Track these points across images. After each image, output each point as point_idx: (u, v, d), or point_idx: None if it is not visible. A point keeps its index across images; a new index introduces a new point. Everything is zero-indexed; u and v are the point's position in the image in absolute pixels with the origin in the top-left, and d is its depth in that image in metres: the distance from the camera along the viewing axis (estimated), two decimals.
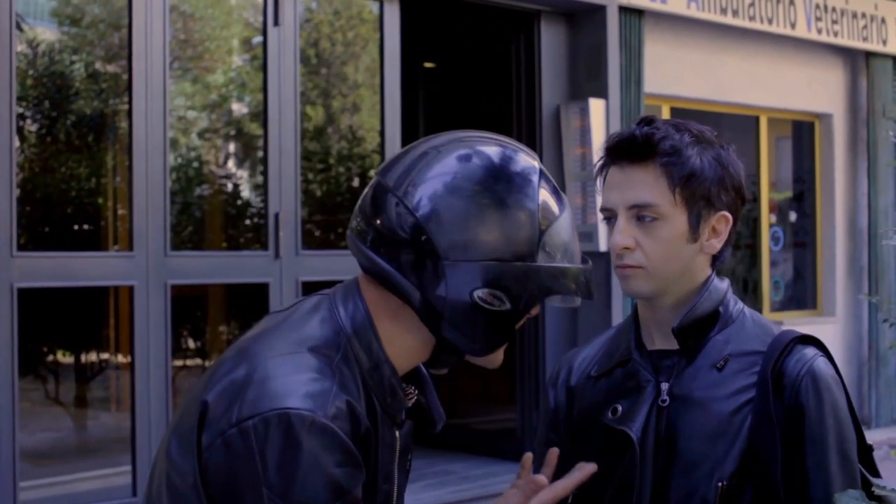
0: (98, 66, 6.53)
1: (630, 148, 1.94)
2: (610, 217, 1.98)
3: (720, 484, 1.88)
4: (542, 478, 1.87)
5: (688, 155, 1.93)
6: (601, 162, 2.01)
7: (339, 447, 1.61)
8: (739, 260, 9.14)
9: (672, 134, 1.94)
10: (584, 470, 1.88)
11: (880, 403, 9.28)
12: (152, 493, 1.72)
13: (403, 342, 1.74)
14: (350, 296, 1.75)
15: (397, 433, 1.77)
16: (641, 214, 1.93)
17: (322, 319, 1.73)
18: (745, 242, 9.13)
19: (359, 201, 1.76)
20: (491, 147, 1.74)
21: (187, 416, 1.68)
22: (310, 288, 5.91)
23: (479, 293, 1.69)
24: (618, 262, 1.96)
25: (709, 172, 1.94)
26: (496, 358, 1.79)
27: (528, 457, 1.91)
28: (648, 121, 1.98)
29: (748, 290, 9.10)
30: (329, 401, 1.62)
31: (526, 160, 1.75)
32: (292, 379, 1.63)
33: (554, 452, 1.92)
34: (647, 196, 1.92)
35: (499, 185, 1.70)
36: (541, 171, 1.74)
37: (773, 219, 9.41)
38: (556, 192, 1.76)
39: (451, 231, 1.67)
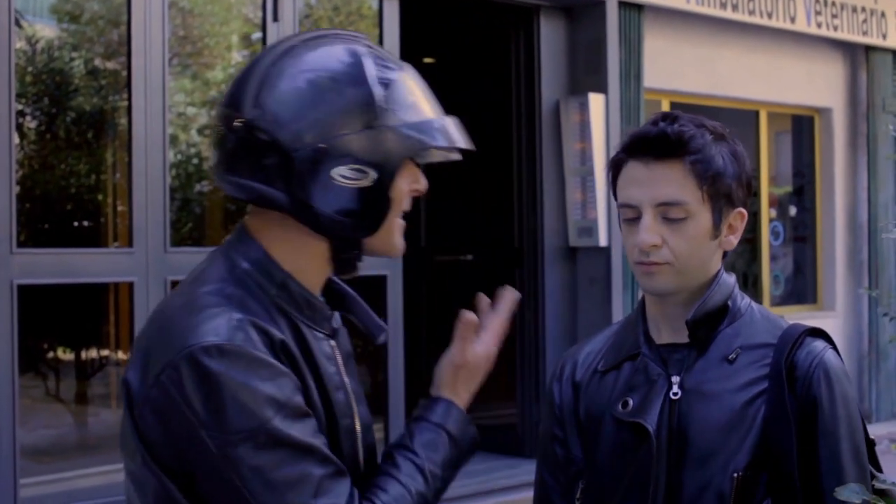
0: (97, 62, 6.53)
1: (660, 145, 1.94)
2: (632, 214, 1.97)
3: (735, 475, 1.89)
4: (470, 316, 1.85)
5: (712, 154, 1.95)
6: (618, 156, 2.01)
7: (257, 363, 1.61)
8: (739, 254, 9.14)
9: (698, 131, 1.95)
10: (511, 295, 1.88)
11: (880, 397, 9.28)
12: (128, 491, 1.72)
13: (301, 256, 1.75)
14: (238, 234, 1.78)
15: (333, 343, 1.78)
16: (670, 212, 1.94)
17: (215, 264, 1.75)
18: (744, 237, 9.10)
19: (211, 140, 1.81)
20: (307, 37, 1.78)
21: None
22: None
23: (338, 173, 1.69)
24: (642, 258, 1.95)
25: (730, 170, 1.97)
26: (392, 242, 1.79)
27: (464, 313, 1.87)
28: (672, 117, 1.98)
29: (748, 284, 9.10)
30: (228, 325, 1.63)
31: (343, 38, 1.78)
32: (189, 321, 1.64)
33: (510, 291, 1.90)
34: (677, 194, 1.93)
35: (324, 64, 1.73)
36: (363, 40, 1.78)
37: (773, 213, 9.40)
38: (387, 56, 1.78)
39: (290, 123, 1.69)
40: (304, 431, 1.62)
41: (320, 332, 1.75)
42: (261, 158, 1.69)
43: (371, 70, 1.72)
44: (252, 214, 1.78)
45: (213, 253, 1.79)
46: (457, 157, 1.82)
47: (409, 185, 1.77)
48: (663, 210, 1.94)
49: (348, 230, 1.73)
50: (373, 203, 1.72)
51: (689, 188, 1.93)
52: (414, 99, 1.75)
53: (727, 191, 1.96)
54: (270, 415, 1.59)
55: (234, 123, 1.71)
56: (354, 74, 1.71)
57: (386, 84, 1.72)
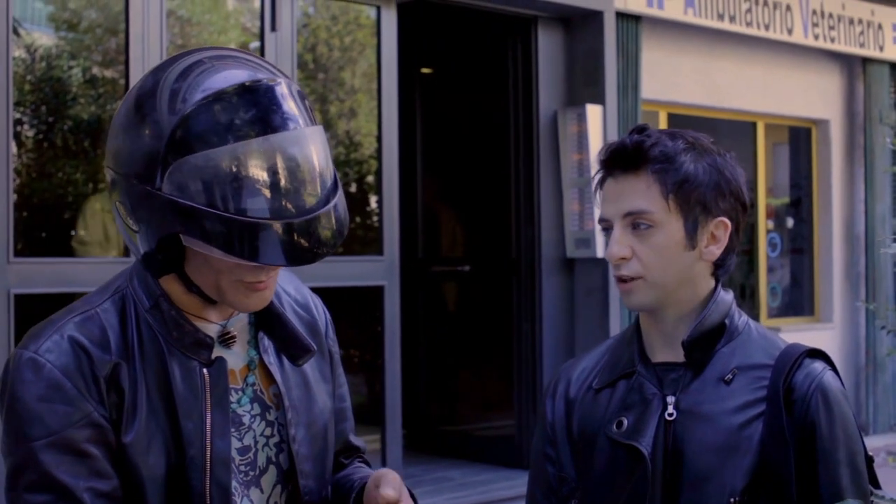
0: (95, 70, 6.52)
1: (622, 157, 1.94)
2: (607, 228, 1.97)
3: (733, 500, 1.86)
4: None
5: (681, 161, 1.92)
6: (599, 175, 2.00)
7: (46, 381, 1.58)
8: (736, 266, 9.12)
9: (664, 141, 1.93)
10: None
11: (878, 410, 9.27)
12: None
13: (167, 279, 1.69)
14: None
15: (204, 371, 1.69)
16: (636, 222, 1.92)
17: (121, 276, 1.75)
18: (742, 249, 9.10)
19: None
20: (182, 58, 1.60)
21: None
22: None
23: (116, 200, 1.62)
24: (616, 272, 1.94)
25: (703, 178, 1.93)
26: (230, 301, 1.64)
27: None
28: (640, 129, 1.97)
29: (745, 296, 9.09)
30: (47, 336, 1.63)
31: (223, 74, 1.55)
32: (40, 327, 1.68)
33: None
34: (640, 203, 1.91)
35: (148, 94, 1.57)
36: (241, 89, 1.52)
37: (771, 225, 9.41)
38: (245, 122, 1.51)
39: (108, 140, 1.64)
40: (69, 469, 1.58)
41: (192, 357, 1.68)
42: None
43: (189, 126, 1.51)
44: None
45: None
46: (258, 262, 1.56)
47: (237, 257, 1.56)
48: (631, 220, 1.92)
49: (142, 262, 1.65)
50: (146, 243, 1.61)
51: (652, 197, 1.91)
52: (214, 181, 1.51)
53: (701, 199, 1.92)
54: (32, 436, 1.57)
55: None
56: (155, 121, 1.54)
57: (192, 150, 1.51)
